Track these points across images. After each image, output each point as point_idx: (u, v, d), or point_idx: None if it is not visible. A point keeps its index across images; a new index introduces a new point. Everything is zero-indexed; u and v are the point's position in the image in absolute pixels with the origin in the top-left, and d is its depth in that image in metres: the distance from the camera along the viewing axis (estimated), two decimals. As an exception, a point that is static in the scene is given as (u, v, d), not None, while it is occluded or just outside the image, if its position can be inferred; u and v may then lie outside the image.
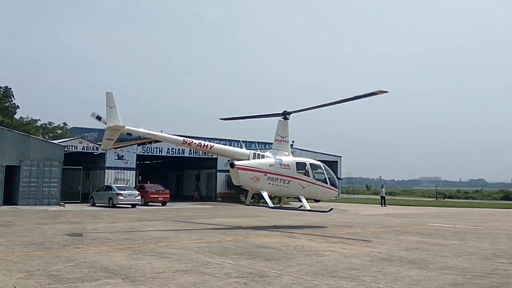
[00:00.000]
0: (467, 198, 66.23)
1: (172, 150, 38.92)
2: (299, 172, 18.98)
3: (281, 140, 19.55)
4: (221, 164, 41.09)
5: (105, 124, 16.66)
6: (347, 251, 11.66)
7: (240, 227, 18.10)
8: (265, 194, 18.47)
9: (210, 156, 40.92)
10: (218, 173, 41.50)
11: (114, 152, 35.77)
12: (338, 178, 70.54)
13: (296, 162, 19.21)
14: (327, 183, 19.81)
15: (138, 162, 38.62)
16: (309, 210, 19.13)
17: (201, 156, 40.78)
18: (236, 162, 18.27)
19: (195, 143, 18.81)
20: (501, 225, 21.50)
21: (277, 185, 18.64)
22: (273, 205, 19.62)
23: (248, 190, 19.91)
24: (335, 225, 19.73)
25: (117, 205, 29.56)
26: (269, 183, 18.45)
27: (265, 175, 18.37)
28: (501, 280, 8.24)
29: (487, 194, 71.37)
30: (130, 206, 30.10)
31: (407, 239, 14.66)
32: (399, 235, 15.90)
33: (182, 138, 18.96)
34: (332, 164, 70.63)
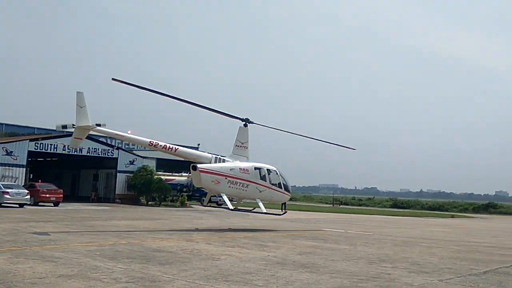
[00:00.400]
0: (360, 205, 70.42)
1: (69, 148, 36.73)
2: (256, 177, 19.90)
3: (240, 146, 20.34)
4: (122, 164, 39.69)
5: (73, 124, 17.07)
6: (243, 255, 11.73)
7: (136, 230, 17.50)
8: (225, 197, 19.42)
9: (109, 156, 39.38)
10: (118, 174, 39.93)
11: (2, 148, 33.02)
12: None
13: (254, 167, 20.03)
14: (281, 188, 20.79)
15: (29, 159, 35.93)
16: (265, 213, 20.23)
17: (99, 156, 39.00)
18: (198, 165, 18.83)
19: (160, 145, 19.18)
20: (388, 231, 23.02)
21: (236, 188, 19.47)
22: (232, 207, 20.21)
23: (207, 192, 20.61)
24: (236, 229, 19.83)
25: (2, 205, 27.24)
26: (229, 186, 19.23)
27: (226, 178, 19.11)
28: (384, 283, 8.74)
29: (378, 202, 76.49)
30: (17, 205, 27.89)
31: (302, 243, 15.12)
32: (295, 239, 16.36)
33: (148, 140, 19.17)
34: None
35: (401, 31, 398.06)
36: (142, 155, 42.31)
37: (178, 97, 19.10)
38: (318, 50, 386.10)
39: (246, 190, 19.69)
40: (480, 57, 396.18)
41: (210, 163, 19.42)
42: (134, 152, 42.62)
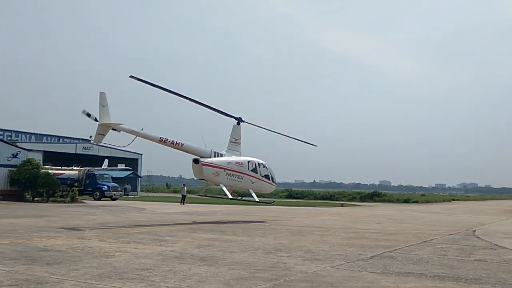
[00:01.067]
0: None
1: None
2: (249, 170, 22.77)
3: (234, 142, 23.12)
4: (3, 157, 36.43)
5: (96, 120, 18.98)
6: (139, 251, 11.38)
7: (20, 229, 16.16)
8: (223, 187, 21.92)
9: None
10: (-1, 168, 36.63)
11: None
12: (138, 176, 69.72)
13: (247, 161, 22.93)
14: (269, 179, 23.87)
15: None
16: (257, 202, 23.96)
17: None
18: (201, 159, 21.17)
19: (169, 141, 20.80)
20: (284, 221, 23.79)
21: (233, 180, 22.16)
22: (231, 197, 23.11)
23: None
24: (131, 224, 19.22)
25: None
26: (227, 178, 21.91)
27: (224, 171, 21.77)
28: (280, 272, 8.99)
29: (274, 193, 78.70)
30: None
31: (200, 236, 15.06)
32: (193, 232, 16.26)
33: (159, 136, 20.79)
34: (133, 162, 69.36)
35: (301, 28, 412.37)
36: (27, 148, 39.26)
37: (186, 96, 21.40)
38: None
39: (241, 182, 22.50)
40: (364, 54, 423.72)
41: (210, 157, 21.70)
42: (18, 144, 39.38)
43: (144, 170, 74.00)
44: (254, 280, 8.13)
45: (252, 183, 22.95)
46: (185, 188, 42.22)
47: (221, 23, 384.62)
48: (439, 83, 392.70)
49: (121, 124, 19.63)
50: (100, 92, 19.21)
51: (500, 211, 45.22)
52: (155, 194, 66.75)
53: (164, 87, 20.87)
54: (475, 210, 44.89)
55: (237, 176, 22.29)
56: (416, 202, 65.63)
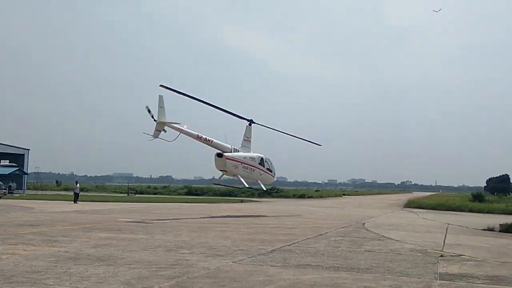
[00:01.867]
0: (156, 194, 70.68)
1: None
2: (258, 164, 27.72)
3: (246, 140, 28.01)
4: None
5: (154, 118, 23.35)
6: (29, 252, 10.62)
7: None
8: (241, 178, 26.38)
9: None
10: None
11: None
12: (24, 173, 64.87)
13: (258, 156, 27.90)
14: (271, 172, 29.07)
15: None
16: (264, 190, 30.54)
17: None
18: (225, 154, 25.47)
19: (203, 138, 25.15)
20: (184, 218, 23.58)
21: (247, 172, 26.77)
22: (248, 186, 27.93)
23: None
24: (17, 224, 17.84)
25: None
26: (243, 170, 26.50)
27: (241, 164, 26.40)
28: (183, 269, 8.93)
29: (173, 190, 77.93)
30: None
31: (96, 235, 14.44)
32: (89, 232, 15.54)
33: (196, 134, 25.09)
34: (18, 158, 64.39)
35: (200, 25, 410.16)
36: None
37: (209, 102, 25.32)
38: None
39: (252, 173, 27.24)
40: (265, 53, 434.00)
41: (230, 152, 26.17)
42: None
43: (32, 166, 69.01)
44: (156, 279, 8.00)
45: (260, 175, 28.01)
46: (78, 185, 40.09)
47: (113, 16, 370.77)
48: (333, 80, 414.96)
49: (172, 123, 23.84)
50: (159, 96, 23.41)
51: (386, 204, 49.05)
52: (44, 192, 62.50)
53: (191, 95, 24.62)
54: (364, 204, 48.18)
55: (250, 169, 27.05)
56: (311, 197, 68.70)
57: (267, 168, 28.64)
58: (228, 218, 24.24)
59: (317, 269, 9.44)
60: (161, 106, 23.43)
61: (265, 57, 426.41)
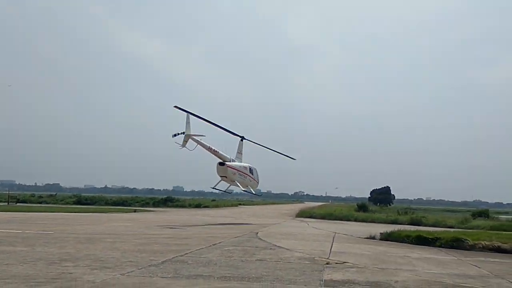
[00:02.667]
0: (41, 203, 66.05)
1: None
2: (249, 172, 33.40)
3: (239, 153, 33.95)
4: None
5: (183, 133, 28.70)
6: None
7: None
8: (237, 183, 32.06)
9: None
10: None
11: None
12: None
13: (248, 166, 33.64)
14: (256, 179, 35.19)
15: None
16: (254, 194, 36.63)
17: None
18: (226, 163, 30.79)
19: (213, 149, 30.26)
20: (71, 228, 22.31)
21: (241, 178, 32.29)
22: (244, 189, 33.52)
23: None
24: None
25: None
26: (239, 177, 31.93)
27: (238, 172, 31.85)
28: (65, 284, 8.44)
29: (61, 199, 73.44)
30: None
31: (-33, 249, 13.09)
32: (-42, 245, 14.03)
33: (208, 146, 30.03)
34: None
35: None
36: None
37: (212, 121, 30.02)
38: None
39: (245, 180, 32.83)
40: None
41: (229, 161, 31.50)
42: None
43: None
44: (34, 294, 7.45)
45: (250, 181, 33.83)
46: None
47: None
48: (228, 93, 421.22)
49: (194, 135, 29.05)
50: (187, 114, 28.82)
51: (279, 214, 50.60)
52: None
53: (202, 117, 29.31)
54: (258, 214, 49.24)
55: (243, 176, 32.62)
56: (207, 207, 68.61)
57: (254, 175, 34.70)
58: (119, 228, 23.35)
59: (208, 279, 9.45)
60: (187, 121, 28.85)
61: (158, 64, 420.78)
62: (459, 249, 18.00)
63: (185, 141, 28.92)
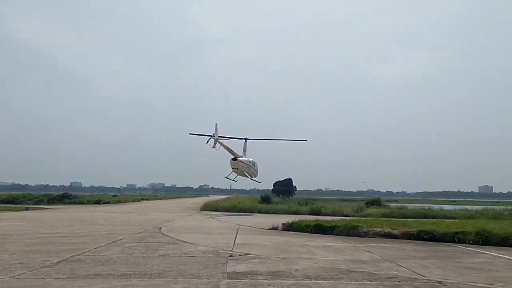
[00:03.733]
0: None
1: None
2: (252, 164, 44.15)
3: (244, 151, 43.85)
4: None
5: (213, 136, 38.48)
6: None
7: None
8: (246, 173, 42.73)
9: None
10: None
11: None
12: None
13: (252, 160, 44.32)
14: (256, 170, 45.92)
15: None
16: (257, 181, 47.16)
17: None
18: (238, 158, 41.08)
19: (230, 148, 40.69)
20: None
21: (248, 170, 43.12)
22: (251, 177, 44.45)
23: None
24: None
25: None
26: (247, 169, 42.68)
27: (246, 165, 42.54)
28: None
29: None
30: None
31: None
32: None
33: (227, 146, 40.37)
34: None
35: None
36: None
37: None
38: None
39: (250, 170, 43.41)
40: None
41: (240, 157, 41.44)
42: None
43: None
44: None
45: (253, 172, 44.50)
46: None
47: None
48: (139, 80, 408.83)
49: (219, 138, 38.75)
50: (215, 123, 38.77)
51: (183, 208, 50.03)
52: None
53: (208, 134, 39.22)
54: (162, 208, 48.31)
55: (249, 168, 42.90)
56: (108, 202, 66.05)
57: (255, 168, 45.43)
58: (8, 228, 21.69)
59: (107, 278, 9.12)
60: (216, 128, 38.46)
61: (59, 54, 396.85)
62: (355, 236, 18.87)
63: (215, 143, 38.27)
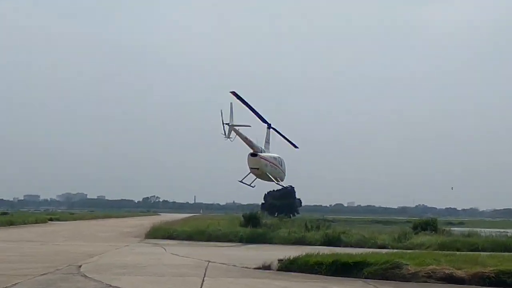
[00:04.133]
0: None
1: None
2: (278, 163, 36.31)
3: (267, 142, 36.54)
4: None
5: (227, 124, 31.33)
6: None
7: None
8: (269, 174, 34.13)
9: None
10: None
11: None
12: None
13: (277, 156, 36.47)
14: (284, 171, 37.95)
15: None
16: (281, 186, 40.46)
17: None
18: (259, 153, 32.54)
19: (248, 139, 32.12)
20: None
21: (273, 169, 34.74)
22: (277, 181, 36.56)
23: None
24: None
25: None
26: (270, 168, 34.32)
27: (269, 163, 34.18)
28: None
29: None
30: None
31: None
32: None
33: (245, 136, 32.10)
34: None
35: None
36: None
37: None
38: None
39: (275, 171, 35.45)
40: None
41: (261, 152, 33.48)
42: None
43: None
44: None
45: (279, 172, 36.40)
46: None
47: None
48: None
49: (235, 126, 31.75)
50: (231, 103, 31.67)
51: (118, 233, 39.46)
52: None
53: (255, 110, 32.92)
54: (82, 234, 37.58)
55: (275, 167, 34.94)
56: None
57: (283, 167, 37.25)
58: None
59: None
60: (231, 112, 31.85)
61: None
62: (396, 280, 14.49)
63: (229, 132, 32.03)
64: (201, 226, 37.37)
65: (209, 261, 18.98)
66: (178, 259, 20.16)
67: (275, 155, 36.92)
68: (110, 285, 12.46)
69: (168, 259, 20.06)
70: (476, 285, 14.15)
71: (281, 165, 37.30)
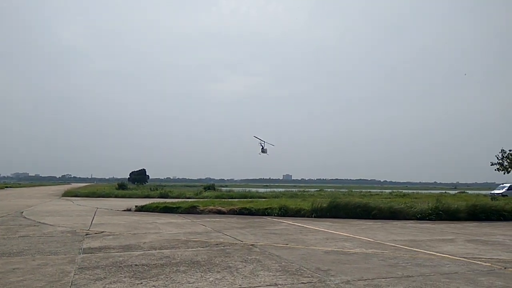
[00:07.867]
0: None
1: None
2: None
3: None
4: None
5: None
6: None
7: None
8: None
9: None
10: None
11: None
12: None
13: None
14: None
15: None
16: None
17: None
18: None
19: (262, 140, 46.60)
20: None
21: None
22: None
23: None
24: None
25: None
26: None
27: None
28: None
29: None
30: None
31: None
32: None
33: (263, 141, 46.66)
34: None
35: None
36: None
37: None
38: None
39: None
40: None
41: None
42: None
43: None
44: None
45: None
46: None
47: None
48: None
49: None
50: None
51: (45, 194, 44.05)
52: None
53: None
54: (25, 195, 41.83)
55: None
56: (-33, 190, 55.12)
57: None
58: None
59: (-38, 260, 7.73)
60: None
61: None
62: (194, 213, 18.66)
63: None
64: (93, 189, 45.75)
65: (97, 208, 22.48)
66: (80, 207, 23.25)
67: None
68: (40, 222, 14.69)
69: (74, 207, 23.09)
70: (231, 214, 18.03)
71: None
